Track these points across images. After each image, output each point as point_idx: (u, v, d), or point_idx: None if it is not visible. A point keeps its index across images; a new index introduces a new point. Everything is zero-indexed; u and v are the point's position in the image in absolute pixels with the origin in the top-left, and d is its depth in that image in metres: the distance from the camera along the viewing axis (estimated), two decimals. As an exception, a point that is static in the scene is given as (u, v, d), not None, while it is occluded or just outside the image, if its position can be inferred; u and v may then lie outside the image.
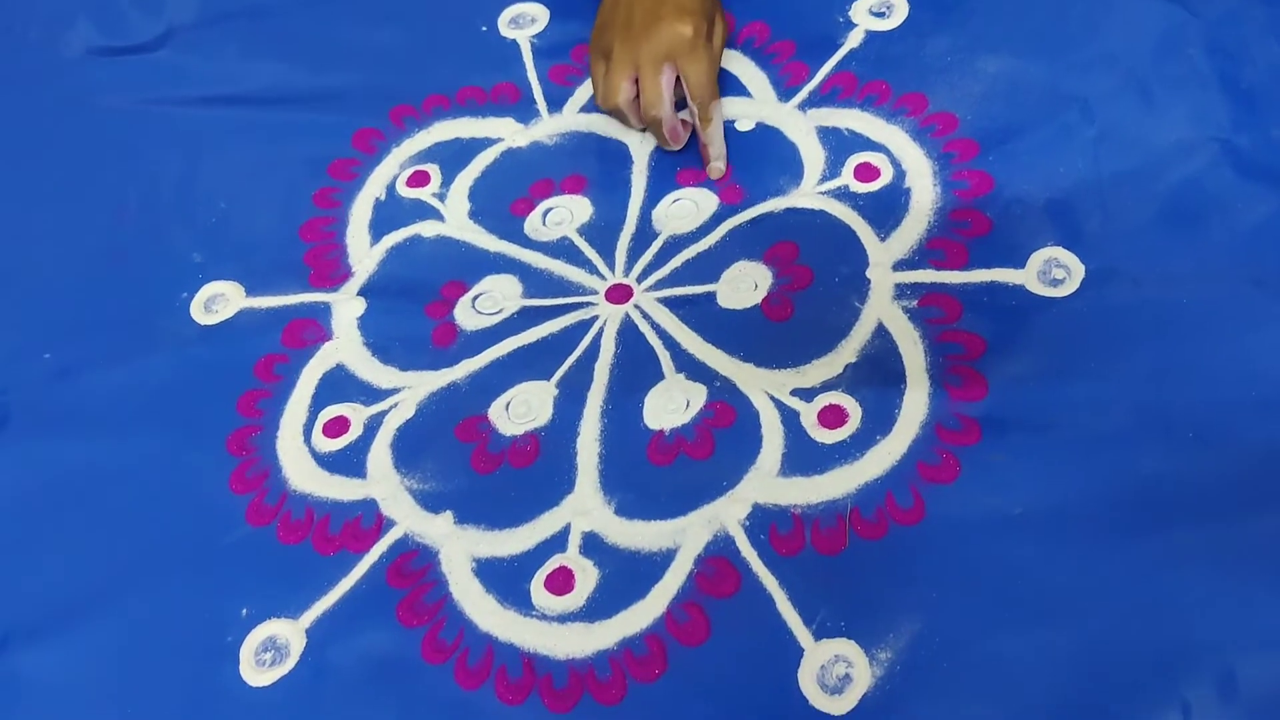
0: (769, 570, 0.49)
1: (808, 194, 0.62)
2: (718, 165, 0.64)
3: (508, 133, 0.70)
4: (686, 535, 0.51)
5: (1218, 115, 0.59)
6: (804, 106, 0.66)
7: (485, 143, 0.70)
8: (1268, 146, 0.57)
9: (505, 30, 0.75)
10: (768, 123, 0.66)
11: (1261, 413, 0.49)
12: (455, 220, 0.66)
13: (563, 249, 0.63)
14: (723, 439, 0.54)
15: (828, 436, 0.53)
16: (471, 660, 0.50)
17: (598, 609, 0.50)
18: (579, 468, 0.55)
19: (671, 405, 0.55)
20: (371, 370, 0.61)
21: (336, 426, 0.59)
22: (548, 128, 0.69)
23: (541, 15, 0.75)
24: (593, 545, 0.52)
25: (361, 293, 0.64)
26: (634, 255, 0.62)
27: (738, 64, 0.69)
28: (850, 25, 0.68)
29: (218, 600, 0.53)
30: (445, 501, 0.55)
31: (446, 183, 0.68)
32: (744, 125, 0.66)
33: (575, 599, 0.51)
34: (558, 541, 0.53)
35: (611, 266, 0.62)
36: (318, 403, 0.60)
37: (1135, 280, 0.54)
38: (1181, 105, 0.59)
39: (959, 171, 0.60)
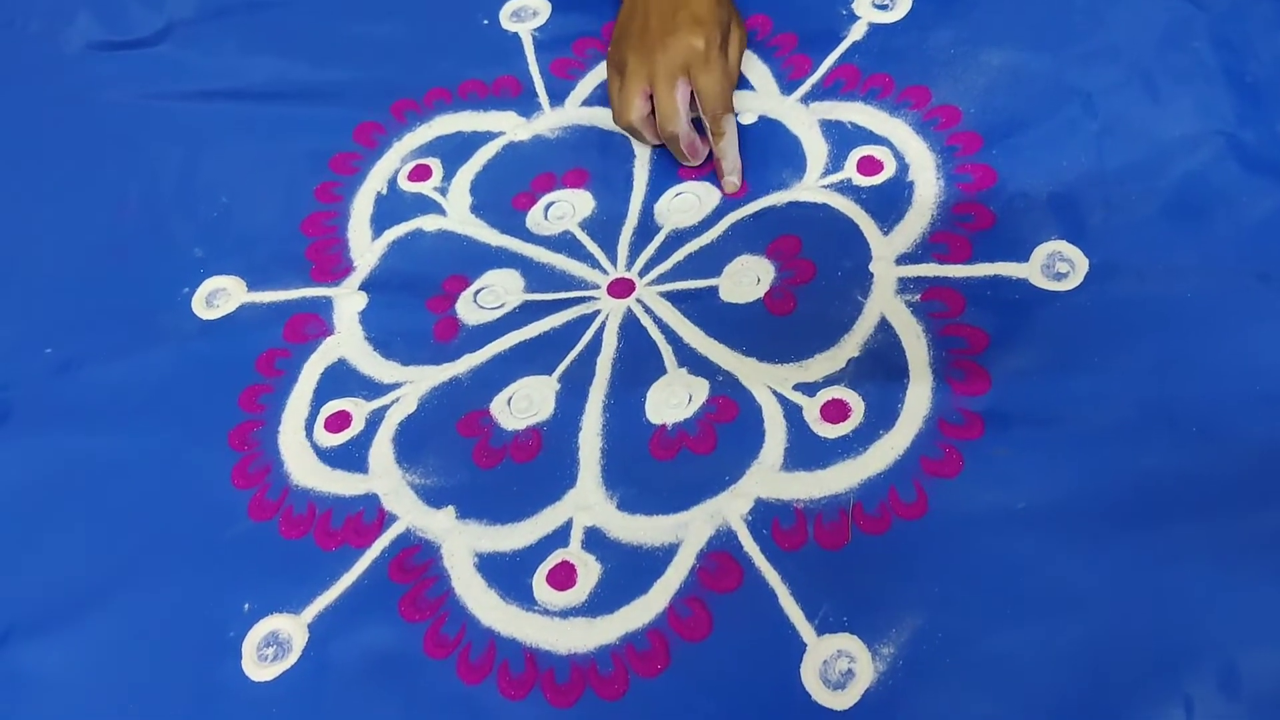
0: (771, 565, 0.49)
1: (810, 187, 0.62)
2: (732, 180, 0.63)
3: (509, 126, 0.70)
4: (689, 530, 0.51)
5: (1222, 109, 0.58)
6: (806, 100, 0.66)
7: (487, 136, 0.69)
8: (1272, 140, 0.57)
9: (507, 23, 0.75)
10: (770, 116, 0.65)
11: (1265, 407, 0.49)
12: (457, 214, 0.66)
13: (565, 243, 0.63)
14: (725, 433, 0.54)
15: (830, 431, 0.53)
16: (474, 655, 0.50)
17: (600, 604, 0.50)
18: (581, 462, 0.55)
19: (674, 400, 0.55)
20: (373, 365, 0.61)
21: (338, 421, 0.59)
22: (549, 121, 0.69)
23: (543, 8, 0.75)
24: (595, 540, 0.52)
25: (363, 287, 0.64)
26: (636, 249, 0.62)
27: (740, 57, 0.69)
28: (853, 18, 0.68)
29: (220, 595, 0.53)
30: (447, 496, 0.55)
31: (448, 177, 0.68)
32: (746, 119, 0.66)
33: (577, 594, 0.51)
34: (560, 536, 0.52)
35: (614, 261, 0.62)
36: (319, 397, 0.60)
37: (1139, 274, 0.54)
38: (1186, 99, 0.59)
39: (962, 165, 0.60)
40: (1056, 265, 0.55)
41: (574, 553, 0.52)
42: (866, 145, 0.62)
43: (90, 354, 0.64)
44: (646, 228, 0.63)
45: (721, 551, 0.50)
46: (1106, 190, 0.57)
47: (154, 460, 0.59)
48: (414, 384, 0.59)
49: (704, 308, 0.59)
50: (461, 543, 0.53)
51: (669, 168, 0.65)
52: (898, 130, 0.63)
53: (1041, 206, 0.57)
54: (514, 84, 0.71)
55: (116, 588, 0.55)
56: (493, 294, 0.62)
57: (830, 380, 0.54)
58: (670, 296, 0.60)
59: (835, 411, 0.53)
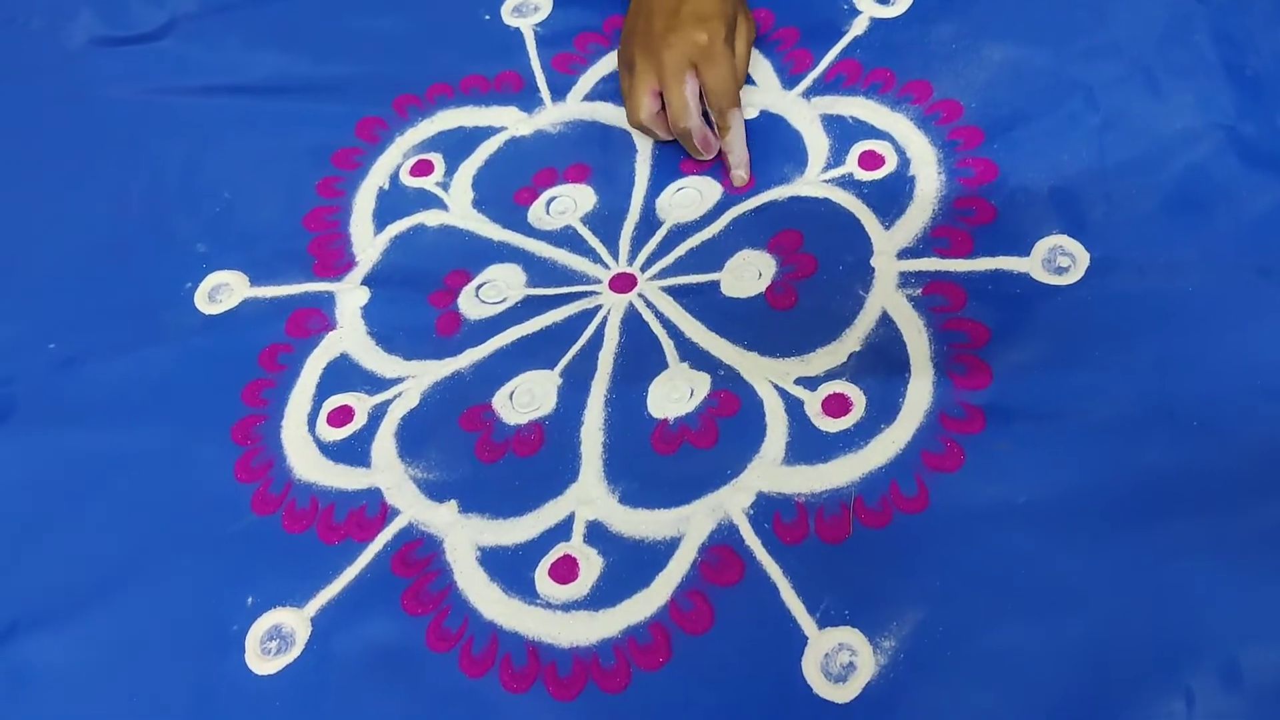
0: (773, 559, 0.50)
1: (812, 182, 0.62)
2: (739, 174, 0.63)
3: (511, 121, 0.70)
4: (690, 524, 0.51)
5: (1223, 103, 0.58)
6: (808, 94, 0.66)
7: (489, 131, 0.70)
8: (1273, 134, 0.57)
9: (508, 18, 0.75)
10: (772, 111, 0.65)
11: (1267, 401, 0.49)
12: (459, 209, 0.66)
13: (566, 238, 0.63)
14: (726, 428, 0.54)
15: (832, 425, 0.53)
16: (476, 649, 0.50)
17: (602, 597, 0.50)
18: (583, 457, 0.55)
19: (675, 394, 0.55)
20: (375, 359, 0.61)
21: (341, 416, 0.59)
22: (551, 116, 0.69)
23: (544, 3, 0.75)
24: (597, 534, 0.52)
25: (365, 282, 0.64)
26: (638, 244, 0.62)
27: (742, 52, 0.69)
28: (854, 12, 0.68)
29: (223, 589, 0.54)
30: (449, 490, 0.55)
31: (450, 172, 0.68)
32: (748, 113, 0.66)
33: (579, 587, 0.51)
34: (562, 530, 0.53)
35: (615, 255, 0.62)
36: (322, 392, 0.60)
37: (1140, 268, 0.54)
38: (1187, 93, 0.59)
39: (964, 159, 0.60)
40: (1058, 259, 0.55)
41: (576, 546, 0.52)
42: (868, 140, 0.62)
43: (93, 349, 0.64)
44: (648, 222, 0.63)
45: (723, 545, 0.50)
46: (1107, 185, 0.57)
47: (157, 455, 0.59)
48: (416, 378, 0.59)
49: (705, 302, 0.59)
50: (464, 537, 0.53)
51: (671, 162, 0.65)
52: (899, 125, 0.63)
53: (1043, 201, 0.57)
54: (516, 79, 0.71)
55: (120, 582, 0.55)
56: (495, 289, 0.62)
57: (832, 374, 0.54)
58: (672, 291, 0.60)
59: (836, 405, 0.53)
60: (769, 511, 0.51)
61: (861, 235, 0.59)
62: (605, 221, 0.64)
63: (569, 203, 0.65)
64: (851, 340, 0.55)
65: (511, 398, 0.57)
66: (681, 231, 0.62)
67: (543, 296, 0.61)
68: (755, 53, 0.68)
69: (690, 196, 0.63)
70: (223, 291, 0.65)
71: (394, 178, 0.69)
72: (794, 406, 0.54)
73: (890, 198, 0.60)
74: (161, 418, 0.60)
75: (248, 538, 0.55)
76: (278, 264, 0.66)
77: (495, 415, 0.57)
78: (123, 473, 0.58)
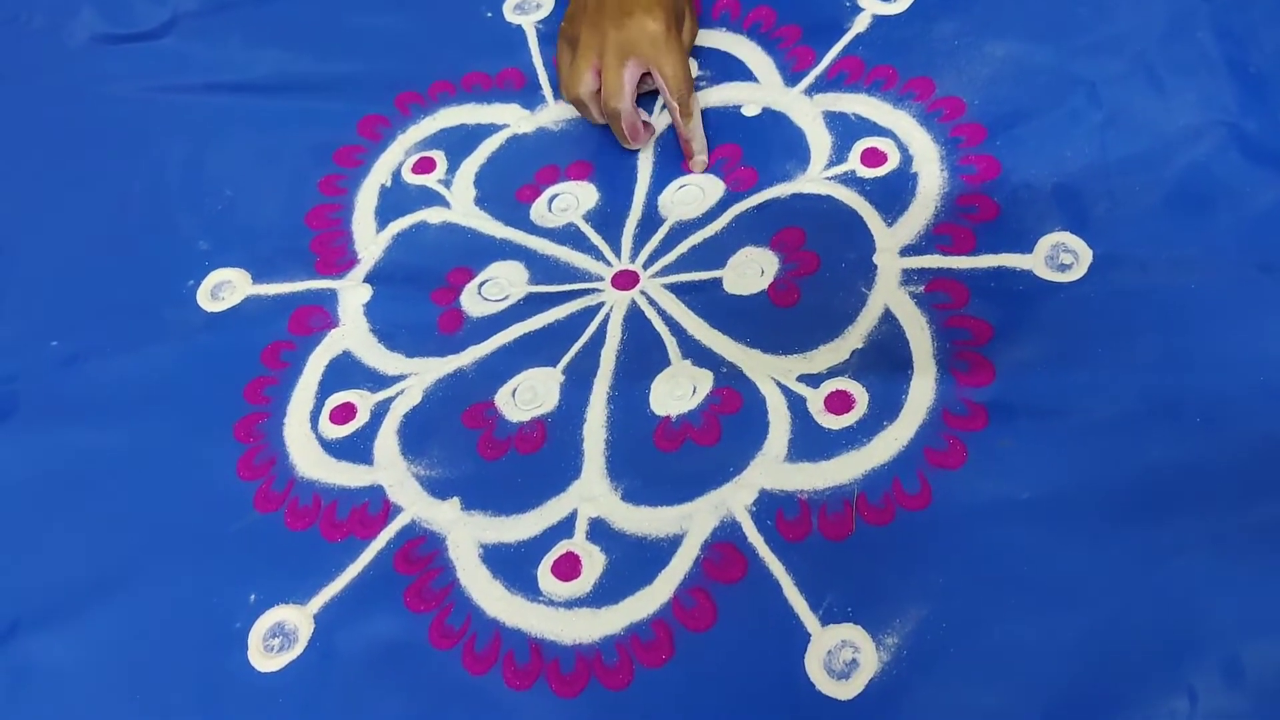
0: (776, 556, 0.50)
1: (814, 179, 0.62)
2: (700, 159, 0.64)
3: (513, 119, 0.70)
4: (693, 521, 0.51)
5: (1226, 100, 0.58)
6: (810, 91, 0.66)
7: (491, 129, 0.70)
8: (1275, 131, 0.57)
9: (510, 16, 0.75)
10: (774, 108, 0.65)
11: (1269, 398, 0.49)
12: (461, 207, 0.66)
13: (569, 235, 0.63)
14: (729, 425, 0.54)
15: (834, 422, 0.53)
16: (479, 646, 0.50)
17: (605, 595, 0.50)
18: (586, 454, 0.55)
19: (678, 391, 0.55)
20: (378, 357, 0.61)
21: (343, 413, 0.59)
22: (553, 114, 0.69)
23: (547, 1, 0.75)
24: (599, 531, 0.52)
25: (368, 279, 0.64)
26: (640, 241, 0.62)
27: (744, 49, 0.69)
28: (857, 10, 0.68)
29: (226, 586, 0.54)
30: (452, 488, 0.55)
31: (452, 169, 0.68)
32: (750, 110, 0.66)
33: (582, 585, 0.51)
34: (565, 527, 0.53)
35: (618, 253, 0.62)
36: (324, 389, 0.60)
37: (1143, 265, 0.54)
38: (1189, 90, 0.59)
39: (966, 156, 0.60)
40: (1060, 256, 0.55)
41: (579, 544, 0.52)
42: (870, 137, 0.62)
43: (96, 347, 0.64)
44: (650, 220, 0.63)
45: (726, 542, 0.50)
46: (1110, 181, 0.57)
47: (159, 453, 0.59)
48: (419, 376, 0.59)
49: (708, 299, 0.59)
50: (466, 534, 0.53)
51: (673, 159, 0.65)
52: (901, 122, 0.63)
53: (1045, 198, 0.57)
54: (518, 76, 0.71)
55: (123, 580, 0.55)
56: (497, 286, 0.62)
57: (834, 371, 0.54)
58: (674, 288, 0.60)
59: (839, 403, 0.53)
60: (772, 509, 0.51)
61: (864, 232, 0.59)
62: (607, 219, 0.64)
63: (571, 200, 0.65)
64: (854, 337, 0.55)
65: (514, 395, 0.57)
66: (684, 229, 0.62)
67: (545, 294, 0.61)
68: (758, 49, 0.68)
69: (692, 194, 0.63)
70: (225, 289, 0.65)
71: (396, 175, 0.69)
72: (796, 404, 0.54)
73: (893, 195, 0.60)
74: (164, 415, 0.60)
75: (250, 535, 0.55)
76: (280, 261, 0.66)
77: (498, 412, 0.57)
78: (125, 470, 0.58)
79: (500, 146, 0.69)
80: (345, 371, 0.60)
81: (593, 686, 0.48)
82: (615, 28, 0.62)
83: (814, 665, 0.46)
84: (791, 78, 0.67)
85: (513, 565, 0.52)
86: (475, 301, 0.62)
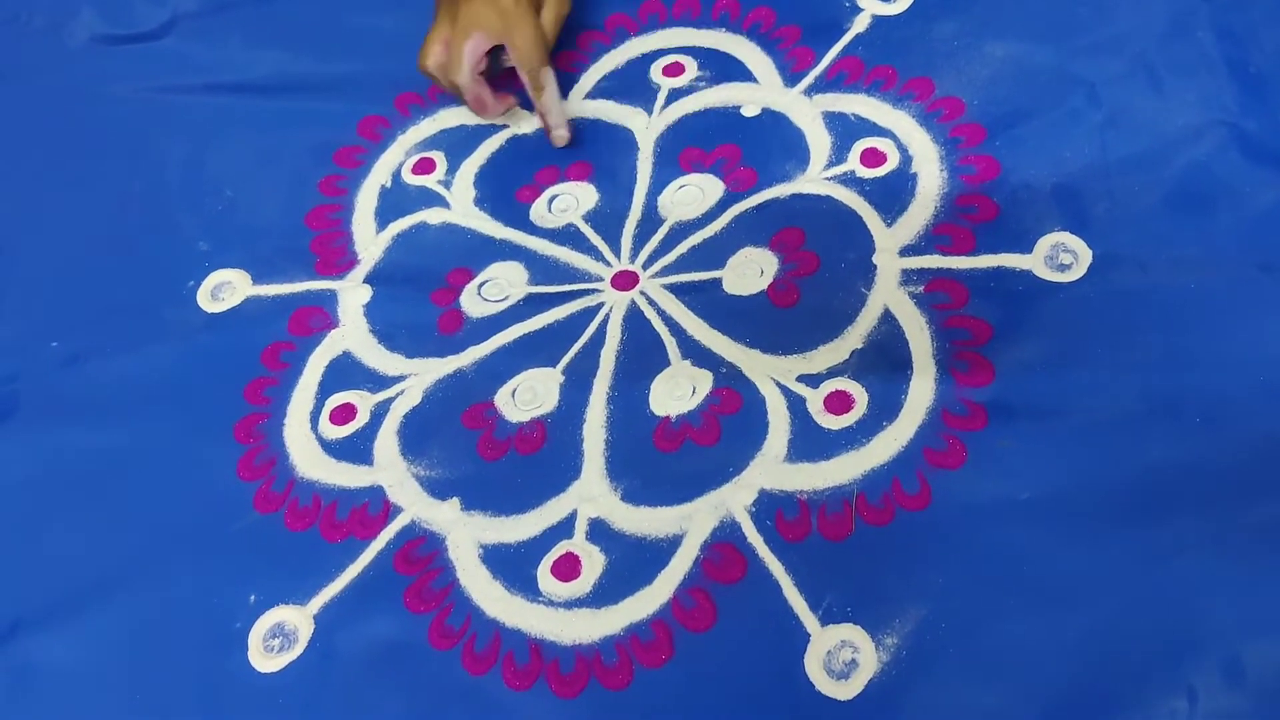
0: (775, 556, 0.50)
1: (814, 179, 0.62)
2: (560, 134, 0.65)
3: (513, 120, 0.70)
4: (693, 521, 0.51)
5: (1225, 99, 0.58)
6: (810, 92, 0.66)
7: (490, 129, 0.70)
8: (1275, 131, 0.57)
9: (510, 16, 0.74)
10: (774, 108, 0.65)
11: (1269, 398, 0.49)
12: (461, 207, 0.66)
13: (568, 236, 0.63)
14: (729, 425, 0.54)
15: (834, 422, 0.53)
16: (479, 646, 0.50)
17: (604, 595, 0.50)
18: (585, 454, 0.55)
19: (678, 392, 0.55)
20: (378, 357, 0.61)
21: (343, 414, 0.59)
22: (553, 114, 0.69)
23: (547, 1, 0.75)
24: (599, 531, 0.52)
25: (368, 280, 0.64)
26: (640, 242, 0.62)
27: (743, 49, 0.69)
28: (856, 10, 0.68)
29: (226, 587, 0.54)
30: (452, 488, 0.55)
31: (452, 170, 0.68)
32: (750, 111, 0.66)
33: (582, 585, 0.51)
34: (564, 528, 0.53)
35: (617, 253, 0.62)
36: (324, 390, 0.60)
37: (1142, 265, 0.54)
38: (1189, 89, 0.59)
39: (966, 156, 0.60)
40: (1060, 256, 0.55)
41: (578, 544, 0.52)
42: (870, 137, 0.62)
43: (96, 347, 0.64)
44: (650, 220, 0.63)
45: (725, 542, 0.51)
46: (1110, 181, 0.57)
47: (160, 453, 0.59)
48: (418, 376, 0.59)
49: (707, 300, 0.59)
50: (466, 534, 0.53)
51: (672, 159, 0.65)
52: (901, 122, 0.63)
53: (1045, 198, 0.57)
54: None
55: (123, 580, 0.55)
56: (497, 286, 0.62)
57: (834, 372, 0.54)
58: (674, 289, 0.60)
59: (839, 403, 0.53)
60: (771, 509, 0.51)
61: (863, 232, 0.59)
62: (607, 219, 0.64)
63: (571, 200, 0.65)
64: (853, 338, 0.55)
65: (514, 395, 0.57)
66: (683, 229, 0.62)
67: (545, 294, 0.61)
68: (757, 50, 0.68)
69: (692, 194, 0.63)
70: (225, 290, 0.65)
71: (396, 176, 0.69)
72: (796, 404, 0.54)
73: (892, 195, 0.60)
74: (164, 416, 0.60)
75: (250, 536, 0.55)
76: (280, 262, 0.66)
77: (497, 413, 0.57)
78: (125, 471, 0.59)
79: (500, 147, 0.69)
80: (345, 372, 0.60)
81: (592, 687, 0.48)
82: (467, 2, 0.64)
83: (813, 665, 0.46)
84: (791, 78, 0.67)
85: (512, 566, 0.52)
86: (475, 302, 0.62)
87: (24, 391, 0.63)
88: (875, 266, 0.57)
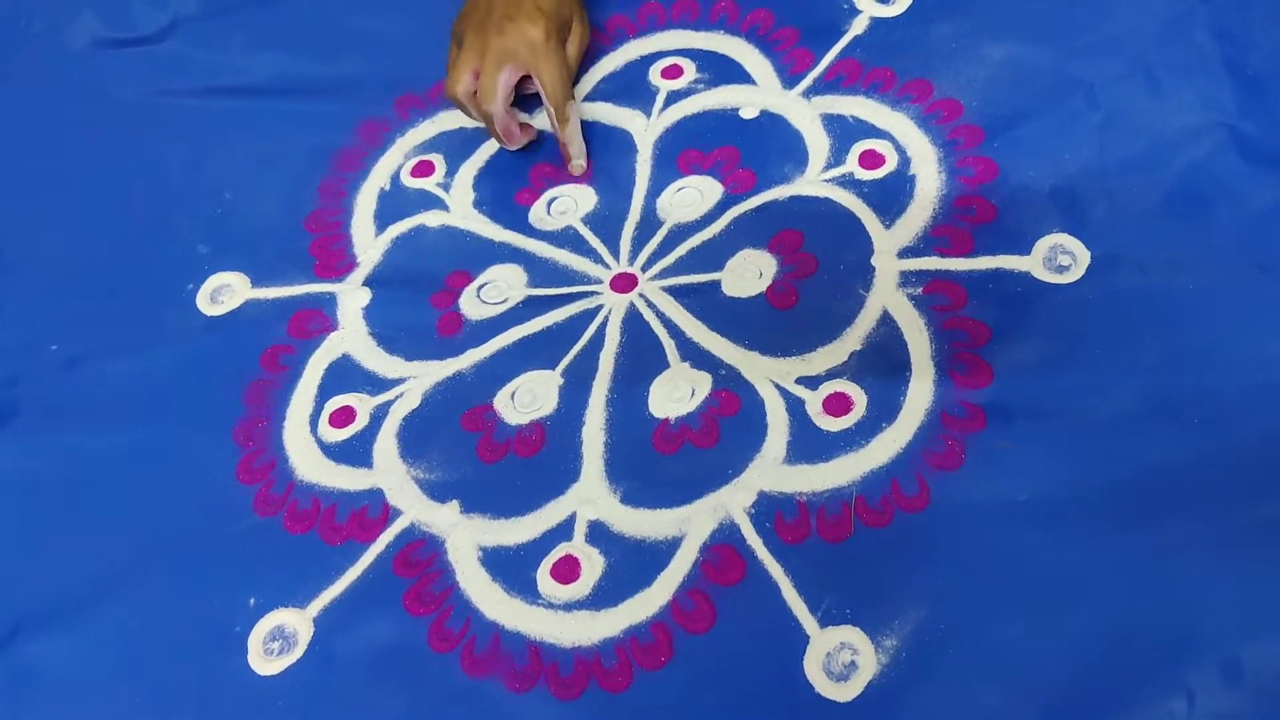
0: (774, 558, 0.50)
1: (812, 181, 0.62)
2: (579, 163, 0.66)
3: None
4: (692, 523, 0.51)
5: (1224, 101, 0.58)
6: (808, 94, 0.66)
7: (489, 132, 0.70)
8: (1274, 132, 0.57)
9: (509, 19, 0.74)
10: (772, 110, 0.65)
11: (1267, 398, 0.49)
12: (460, 210, 0.66)
13: (567, 238, 0.63)
14: (728, 427, 0.54)
15: (833, 424, 0.53)
16: (478, 648, 0.50)
17: (604, 597, 0.50)
18: (584, 457, 0.55)
19: (677, 394, 0.56)
20: (377, 360, 0.61)
21: (343, 416, 0.59)
22: (552, 117, 0.69)
23: (545, 4, 0.75)
24: (598, 534, 0.52)
25: (367, 283, 0.64)
26: (638, 244, 0.62)
27: (742, 51, 0.69)
28: (854, 12, 0.68)
29: (226, 590, 0.54)
30: (451, 491, 0.55)
31: (451, 172, 0.68)
32: (748, 113, 0.66)
33: (581, 587, 0.51)
34: (564, 530, 0.53)
35: (616, 255, 0.62)
36: (324, 393, 0.60)
37: (1141, 266, 0.54)
38: (1188, 91, 0.59)
39: (964, 158, 0.60)
40: (1058, 258, 0.55)
41: (578, 546, 0.52)
42: (868, 139, 0.62)
43: (96, 350, 0.64)
44: (649, 222, 0.63)
45: (724, 544, 0.51)
46: (1108, 183, 0.57)
47: (159, 456, 0.59)
48: (418, 379, 0.59)
49: (706, 302, 0.59)
50: (466, 537, 0.53)
51: (671, 162, 0.65)
52: (899, 124, 0.63)
53: (1043, 199, 0.57)
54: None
55: (123, 583, 0.55)
56: (496, 289, 0.62)
57: (833, 373, 0.54)
58: (673, 291, 0.60)
59: (837, 405, 0.53)
60: (770, 511, 0.51)
61: (862, 234, 0.59)
62: (606, 221, 0.64)
63: (570, 203, 0.65)
64: (852, 339, 0.55)
65: (513, 398, 0.57)
66: (682, 231, 0.62)
67: (544, 297, 0.61)
68: (756, 52, 0.68)
69: (691, 196, 0.63)
70: (224, 293, 0.65)
71: (395, 178, 0.69)
72: (795, 406, 0.54)
73: (891, 197, 0.60)
74: (164, 419, 0.60)
75: (250, 539, 0.55)
76: (279, 265, 0.66)
77: (497, 415, 0.57)
78: (125, 474, 0.59)
79: (499, 149, 0.69)
80: (344, 375, 0.61)
81: (592, 689, 0.48)
82: (497, 33, 0.64)
83: (813, 667, 0.46)
84: (789, 80, 0.67)
85: (512, 568, 0.52)
86: (474, 305, 0.62)
87: (24, 394, 0.63)
88: (874, 268, 0.57)
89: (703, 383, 0.56)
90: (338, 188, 0.69)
